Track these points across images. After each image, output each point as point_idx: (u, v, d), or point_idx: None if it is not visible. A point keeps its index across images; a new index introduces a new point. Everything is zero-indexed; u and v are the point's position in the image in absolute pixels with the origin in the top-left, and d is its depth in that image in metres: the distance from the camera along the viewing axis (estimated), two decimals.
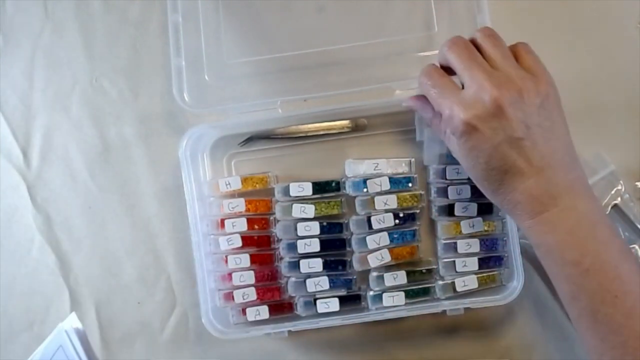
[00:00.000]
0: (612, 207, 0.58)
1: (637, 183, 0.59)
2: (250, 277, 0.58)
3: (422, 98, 0.53)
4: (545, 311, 0.59)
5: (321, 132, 0.60)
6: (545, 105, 0.47)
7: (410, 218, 0.58)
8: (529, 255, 0.58)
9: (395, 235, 0.57)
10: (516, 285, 0.56)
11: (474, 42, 0.49)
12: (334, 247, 0.58)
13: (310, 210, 0.58)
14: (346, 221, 0.58)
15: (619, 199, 0.58)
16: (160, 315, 0.62)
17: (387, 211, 0.57)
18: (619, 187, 0.58)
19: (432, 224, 0.59)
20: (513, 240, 0.56)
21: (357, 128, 0.60)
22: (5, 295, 0.63)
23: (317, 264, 0.57)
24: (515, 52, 0.49)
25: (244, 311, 0.58)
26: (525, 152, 0.46)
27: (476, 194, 0.57)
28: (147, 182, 0.63)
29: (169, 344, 0.61)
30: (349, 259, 0.58)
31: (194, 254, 0.58)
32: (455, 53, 0.48)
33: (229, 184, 0.59)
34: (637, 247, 0.57)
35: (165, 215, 0.62)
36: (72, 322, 0.46)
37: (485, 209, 0.57)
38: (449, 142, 0.50)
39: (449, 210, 0.57)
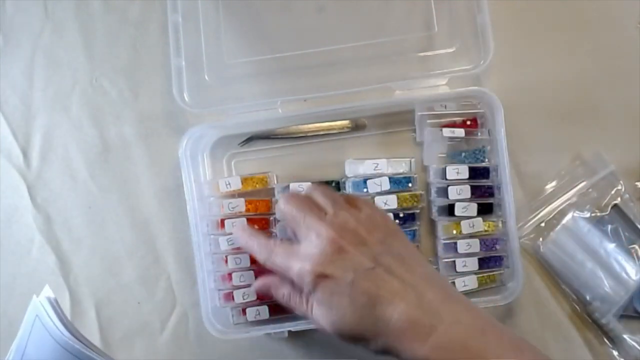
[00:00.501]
0: (612, 207, 0.58)
1: (637, 183, 0.59)
2: (250, 277, 0.58)
3: (270, 277, 0.52)
4: (545, 311, 0.58)
5: (321, 132, 0.60)
6: (388, 235, 0.47)
7: (410, 218, 0.58)
8: (529, 255, 0.59)
9: None
10: (516, 285, 0.56)
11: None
12: None
13: None
14: None
15: (619, 199, 0.58)
16: (160, 315, 0.62)
17: (387, 211, 0.57)
18: (619, 187, 0.58)
19: (432, 224, 0.59)
20: (513, 240, 0.56)
21: (357, 128, 0.60)
22: (5, 295, 0.63)
23: None
24: (346, 200, 0.50)
25: (244, 311, 0.58)
26: (382, 279, 0.45)
27: (476, 193, 0.57)
28: (147, 182, 0.63)
29: (169, 344, 0.61)
30: None
31: (194, 254, 0.58)
32: (290, 206, 0.49)
33: (229, 184, 0.59)
34: (637, 247, 0.57)
35: (165, 215, 0.62)
36: (45, 292, 0.49)
37: (485, 209, 0.57)
38: (311, 312, 0.47)
39: (449, 210, 0.57)
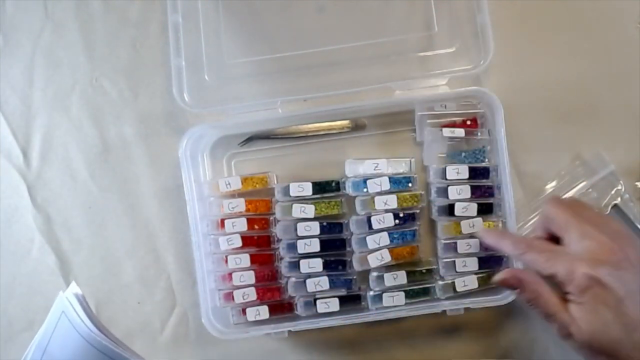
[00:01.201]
0: (612, 207, 0.58)
1: (637, 183, 0.59)
2: (250, 277, 0.58)
3: (520, 270, 0.51)
4: None
5: (321, 132, 0.60)
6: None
7: (410, 218, 0.58)
8: None
9: (395, 235, 0.57)
10: None
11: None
12: (334, 247, 0.58)
13: (310, 210, 0.58)
14: (346, 221, 0.58)
15: (619, 199, 0.58)
16: (160, 315, 0.62)
17: (387, 211, 0.57)
18: (619, 187, 0.58)
19: (432, 224, 0.59)
20: None
21: (357, 128, 0.60)
22: (6, 295, 0.63)
23: (317, 264, 0.57)
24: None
25: (244, 311, 0.58)
26: None
27: (476, 193, 0.57)
28: (147, 182, 0.63)
29: (169, 344, 0.61)
30: (349, 259, 0.58)
31: (194, 254, 0.58)
32: (561, 209, 0.48)
33: (229, 184, 0.59)
34: None
35: (165, 215, 0.62)
36: (72, 289, 0.48)
37: (485, 209, 0.57)
38: (565, 311, 0.46)
39: (449, 210, 0.57)
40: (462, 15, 0.58)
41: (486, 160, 0.58)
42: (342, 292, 0.58)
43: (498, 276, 0.49)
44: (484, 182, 0.57)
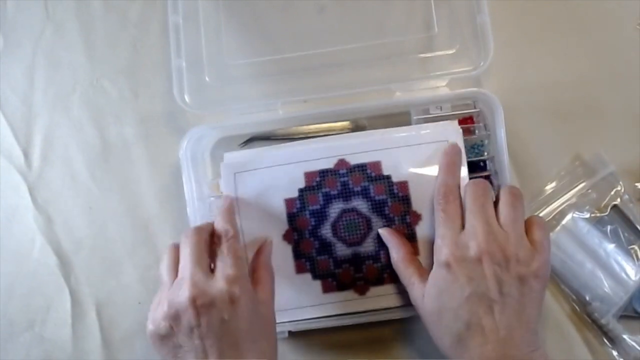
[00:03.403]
0: (611, 208, 0.58)
1: (637, 184, 0.59)
2: None
3: (397, 236, 0.54)
4: (545, 311, 0.58)
5: (321, 133, 0.60)
6: (529, 281, 0.47)
7: None
8: None
9: None
10: None
11: (497, 195, 0.50)
12: None
13: None
14: None
15: (619, 199, 0.58)
16: None
17: None
18: (619, 188, 0.58)
19: None
20: None
21: (357, 129, 0.60)
22: (6, 295, 0.63)
23: None
24: (529, 222, 0.49)
25: None
26: (493, 315, 0.46)
27: None
28: (148, 182, 0.63)
29: None
30: None
31: None
32: (474, 193, 0.49)
33: None
34: (636, 247, 0.57)
35: (165, 216, 0.62)
36: None
37: None
38: (420, 285, 0.50)
39: None
40: (462, 16, 0.58)
41: (485, 153, 0.58)
42: None
43: (381, 230, 0.54)
44: (483, 174, 0.57)
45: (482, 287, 0.46)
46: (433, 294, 0.49)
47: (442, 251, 0.48)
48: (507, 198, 0.49)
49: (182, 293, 0.46)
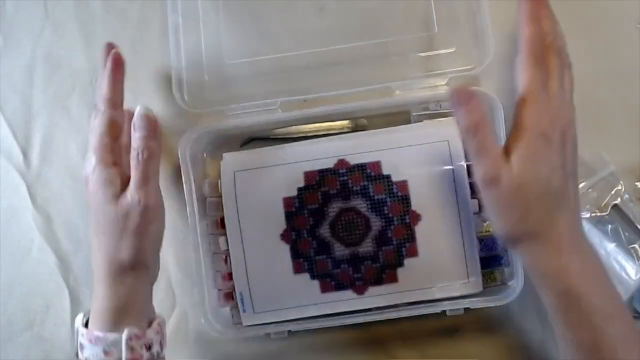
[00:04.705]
0: (612, 207, 0.58)
1: (637, 183, 0.59)
2: None
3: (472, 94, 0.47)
4: (545, 311, 0.58)
5: (321, 133, 0.60)
6: (575, 147, 0.48)
7: None
8: None
9: None
10: (516, 285, 0.55)
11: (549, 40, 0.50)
12: None
13: None
14: None
15: (619, 199, 0.58)
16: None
17: None
18: (619, 187, 0.58)
19: None
20: None
21: (357, 128, 0.60)
22: (5, 295, 0.63)
23: None
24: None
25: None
26: (572, 186, 0.47)
27: (475, 193, 0.57)
28: None
29: (169, 344, 0.61)
30: None
31: (194, 254, 0.58)
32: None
33: None
34: (637, 247, 0.57)
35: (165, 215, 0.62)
36: None
37: None
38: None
39: None
40: (462, 16, 0.58)
41: None
42: None
43: (451, 89, 0.47)
44: None
45: (565, 159, 0.46)
46: (528, 162, 0.45)
47: (541, 122, 0.46)
48: (559, 60, 0.49)
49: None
